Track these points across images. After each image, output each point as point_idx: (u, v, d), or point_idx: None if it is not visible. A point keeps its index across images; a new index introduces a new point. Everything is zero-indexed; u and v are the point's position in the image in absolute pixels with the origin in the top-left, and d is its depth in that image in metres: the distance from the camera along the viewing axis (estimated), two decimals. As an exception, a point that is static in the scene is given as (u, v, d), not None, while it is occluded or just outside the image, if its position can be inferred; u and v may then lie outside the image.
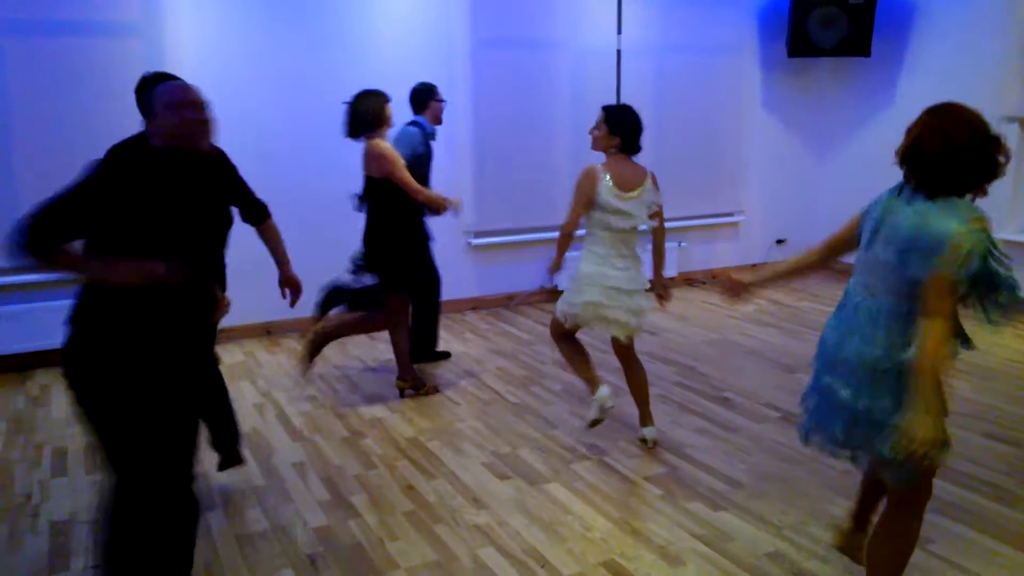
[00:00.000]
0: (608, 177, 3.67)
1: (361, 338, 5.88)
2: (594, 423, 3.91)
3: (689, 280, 7.54)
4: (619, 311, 3.77)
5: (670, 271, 7.30)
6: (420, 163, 4.84)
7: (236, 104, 5.51)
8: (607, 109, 3.76)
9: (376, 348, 5.65)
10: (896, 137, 2.32)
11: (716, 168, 7.54)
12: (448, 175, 6.01)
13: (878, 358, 2.25)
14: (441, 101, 5.02)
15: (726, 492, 3.52)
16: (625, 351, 3.94)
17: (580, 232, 3.78)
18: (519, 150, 6.57)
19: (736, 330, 6.05)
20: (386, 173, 4.30)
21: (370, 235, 4.49)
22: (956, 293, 2.12)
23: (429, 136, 4.96)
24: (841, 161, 7.70)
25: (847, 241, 2.47)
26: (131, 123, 4.45)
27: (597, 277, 3.74)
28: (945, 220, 2.11)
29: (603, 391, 3.85)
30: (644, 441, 3.97)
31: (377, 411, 4.50)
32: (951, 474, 3.54)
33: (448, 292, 5.62)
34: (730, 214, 7.74)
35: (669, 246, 7.23)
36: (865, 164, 7.34)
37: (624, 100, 6.95)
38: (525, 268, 6.73)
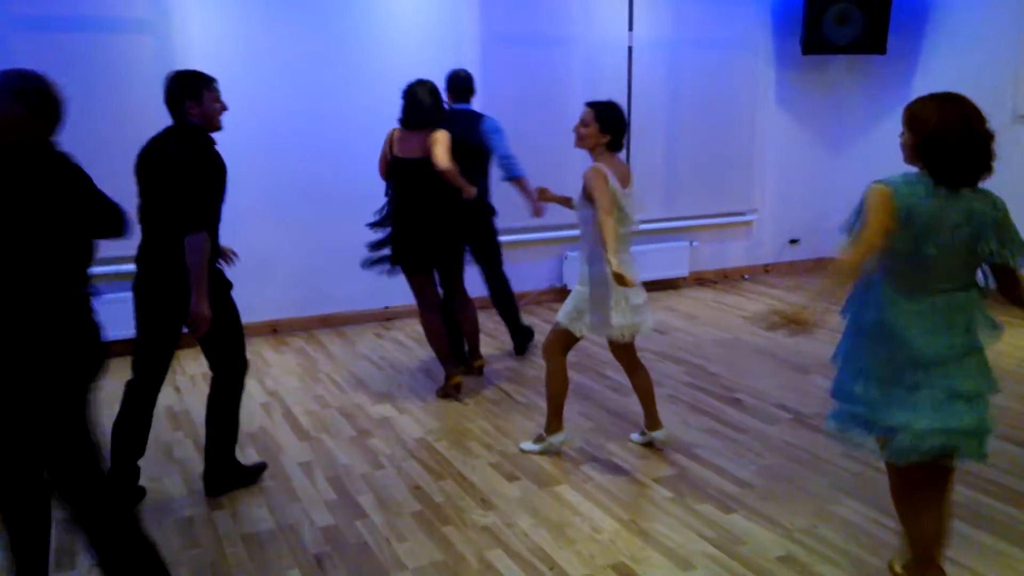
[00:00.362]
0: (611, 175, 3.55)
1: (368, 337, 5.88)
2: (535, 452, 3.92)
3: (700, 279, 7.49)
4: (635, 310, 3.66)
5: (682, 270, 7.28)
6: (469, 157, 4.93)
7: (245, 100, 5.50)
8: (596, 106, 3.61)
9: (383, 347, 5.63)
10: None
11: (728, 166, 7.48)
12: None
13: (965, 344, 2.39)
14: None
15: (736, 494, 3.48)
16: (629, 354, 3.85)
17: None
18: (528, 147, 6.47)
19: (746, 330, 6.00)
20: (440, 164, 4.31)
21: (447, 219, 4.48)
22: None
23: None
24: (856, 159, 7.62)
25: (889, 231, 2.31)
26: (142, 118, 4.45)
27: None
28: (999, 211, 2.33)
29: (561, 437, 3.90)
30: (650, 444, 3.94)
31: (385, 410, 4.48)
32: (963, 476, 3.48)
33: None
34: (742, 213, 7.68)
35: (681, 244, 7.28)
36: (880, 162, 7.21)
37: (635, 97, 6.92)
38: (535, 267, 6.71)
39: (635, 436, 4.03)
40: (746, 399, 4.59)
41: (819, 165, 7.90)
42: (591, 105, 3.63)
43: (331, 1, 5.79)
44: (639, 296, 3.65)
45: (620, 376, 4.86)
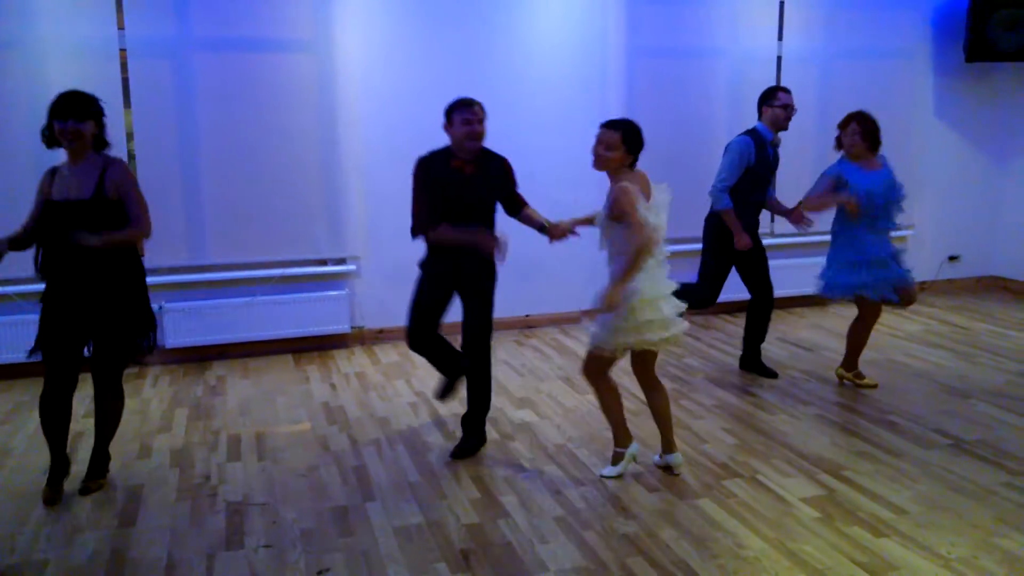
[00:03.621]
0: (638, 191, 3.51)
1: (509, 344, 5.99)
2: (617, 474, 3.78)
3: (849, 296, 7.20)
4: (644, 326, 3.54)
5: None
6: (751, 175, 4.95)
7: (401, 114, 5.75)
8: (620, 126, 3.56)
9: (523, 354, 5.73)
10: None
11: (882, 180, 7.16)
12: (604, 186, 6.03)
13: None
14: (781, 106, 4.98)
15: (889, 519, 3.34)
16: (652, 371, 3.77)
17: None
18: (674, 161, 6.49)
19: (902, 350, 5.73)
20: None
21: None
22: None
23: (771, 144, 5.03)
24: (1024, 173, 7.16)
25: None
26: (306, 131, 4.69)
27: (651, 291, 3.53)
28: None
29: (636, 446, 3.84)
30: (669, 468, 3.80)
31: (525, 415, 4.56)
32: None
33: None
34: (897, 228, 7.33)
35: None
36: (1052, 176, 6.81)
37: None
38: (682, 279, 6.64)
39: (655, 458, 3.89)
40: (900, 422, 4.39)
41: (982, 179, 7.45)
42: (612, 126, 3.57)
43: (481, 18, 5.97)
44: (653, 311, 3.54)
45: (766, 393, 4.77)
